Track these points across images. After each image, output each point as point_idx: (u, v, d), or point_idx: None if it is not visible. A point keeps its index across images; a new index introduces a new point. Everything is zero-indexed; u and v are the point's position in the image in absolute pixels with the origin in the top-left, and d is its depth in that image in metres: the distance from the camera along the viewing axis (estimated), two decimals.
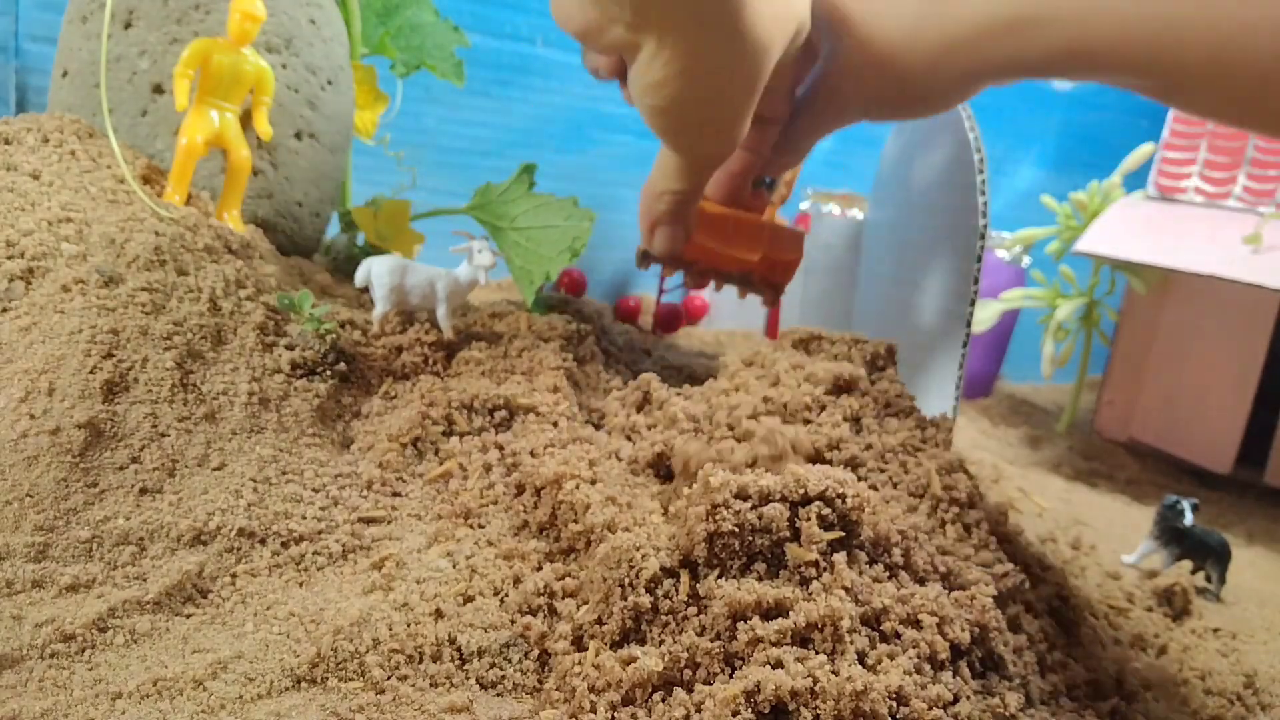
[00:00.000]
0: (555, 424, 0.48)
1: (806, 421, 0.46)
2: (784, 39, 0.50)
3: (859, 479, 0.42)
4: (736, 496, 0.34)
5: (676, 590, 0.34)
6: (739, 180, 0.60)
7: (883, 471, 0.44)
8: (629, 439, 0.49)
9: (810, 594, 0.33)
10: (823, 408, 0.46)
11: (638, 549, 0.35)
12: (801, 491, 0.35)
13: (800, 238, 0.62)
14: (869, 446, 0.45)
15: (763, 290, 0.60)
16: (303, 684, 0.32)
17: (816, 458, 0.44)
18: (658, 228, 0.56)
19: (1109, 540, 0.66)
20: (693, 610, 0.34)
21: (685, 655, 0.32)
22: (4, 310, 0.43)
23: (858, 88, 0.53)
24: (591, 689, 0.32)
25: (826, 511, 0.35)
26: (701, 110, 0.49)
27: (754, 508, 0.34)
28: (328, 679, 0.32)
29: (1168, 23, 0.43)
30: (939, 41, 0.50)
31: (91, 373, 0.40)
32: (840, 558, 0.34)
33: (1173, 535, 0.59)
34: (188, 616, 0.35)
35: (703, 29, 0.46)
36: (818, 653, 0.31)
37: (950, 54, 0.50)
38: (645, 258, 0.59)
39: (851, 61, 0.52)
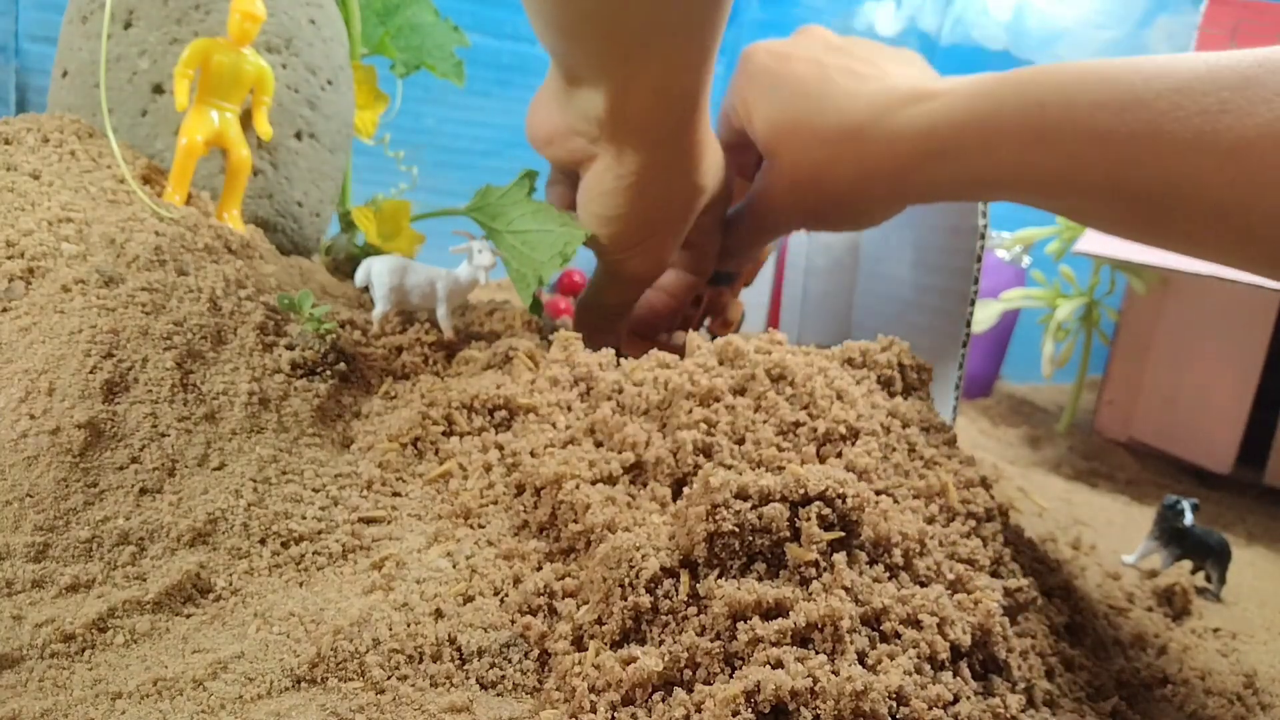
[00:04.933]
0: (555, 424, 0.48)
1: (839, 454, 0.44)
2: (710, 190, 0.56)
3: (878, 492, 0.42)
4: (736, 496, 0.34)
5: (676, 590, 0.34)
6: (677, 301, 0.65)
7: (901, 485, 0.44)
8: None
9: (810, 594, 0.33)
10: (856, 435, 0.44)
11: (638, 549, 0.35)
12: (801, 491, 0.35)
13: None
14: (895, 464, 0.45)
15: None
16: (303, 684, 0.32)
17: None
18: (590, 338, 0.60)
19: (1109, 540, 0.66)
20: (693, 610, 0.34)
21: (685, 655, 0.32)
22: (4, 310, 0.43)
23: (792, 203, 0.58)
24: (591, 689, 0.32)
25: (826, 511, 0.35)
26: (641, 227, 0.54)
27: (754, 508, 0.34)
28: (328, 679, 0.32)
29: (1068, 154, 0.45)
30: (857, 168, 0.54)
31: (91, 373, 0.41)
32: (840, 558, 0.34)
33: (1173, 535, 0.59)
34: (188, 616, 0.35)
35: (655, 156, 0.51)
36: (818, 653, 0.31)
37: (867, 180, 0.54)
38: None
39: (785, 180, 0.57)
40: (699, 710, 0.30)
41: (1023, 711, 0.33)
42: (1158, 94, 0.42)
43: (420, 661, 0.33)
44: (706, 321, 0.70)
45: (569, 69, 0.49)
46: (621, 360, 0.52)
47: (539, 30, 0.48)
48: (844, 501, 0.35)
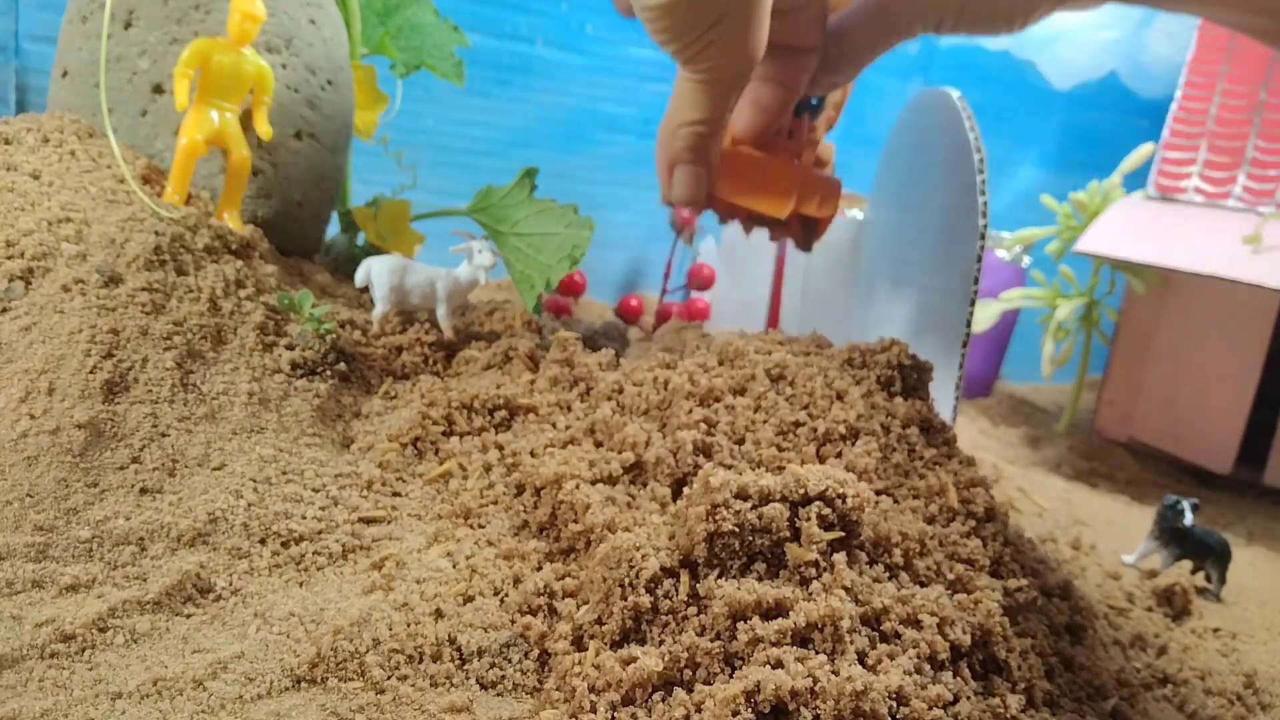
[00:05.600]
0: (555, 424, 0.48)
1: (838, 455, 0.44)
2: None
3: (878, 492, 0.42)
4: (736, 496, 0.34)
5: (676, 590, 0.34)
6: (770, 117, 0.51)
7: (901, 485, 0.44)
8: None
9: (810, 594, 0.33)
10: (856, 434, 0.44)
11: (638, 549, 0.35)
12: (801, 491, 0.35)
13: (836, 188, 0.54)
14: (895, 464, 0.45)
15: (795, 238, 0.54)
16: (303, 684, 0.32)
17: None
18: (677, 168, 0.49)
19: (1109, 540, 0.66)
20: (693, 610, 0.34)
21: (685, 655, 0.32)
22: (4, 310, 0.43)
23: None
24: (591, 689, 0.32)
25: (826, 511, 0.35)
26: (710, 5, 0.42)
27: (754, 508, 0.34)
28: (328, 679, 0.32)
29: None
30: None
31: (91, 373, 0.40)
32: (840, 558, 0.34)
33: (1173, 535, 0.59)
34: (188, 616, 0.35)
35: None
36: (818, 653, 0.31)
37: None
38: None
39: None
40: (699, 710, 0.30)
41: (1023, 711, 0.33)
42: None
43: (420, 661, 0.33)
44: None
45: None
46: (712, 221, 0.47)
47: None
48: (844, 501, 0.35)
